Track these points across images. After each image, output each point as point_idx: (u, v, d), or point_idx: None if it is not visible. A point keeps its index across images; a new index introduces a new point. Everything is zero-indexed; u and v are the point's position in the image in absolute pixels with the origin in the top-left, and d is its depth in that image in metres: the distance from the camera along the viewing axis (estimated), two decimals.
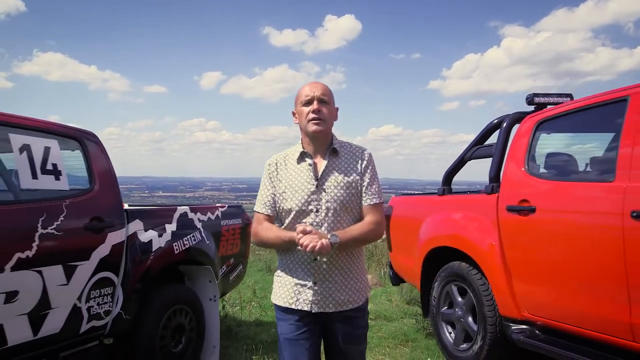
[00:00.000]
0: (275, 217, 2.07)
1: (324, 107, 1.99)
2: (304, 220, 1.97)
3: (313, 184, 1.98)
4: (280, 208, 2.03)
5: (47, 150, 2.83)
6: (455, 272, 3.60)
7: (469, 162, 3.93)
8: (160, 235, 3.38)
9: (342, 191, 1.98)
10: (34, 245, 2.56)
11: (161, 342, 3.34)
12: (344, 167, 2.03)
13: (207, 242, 3.80)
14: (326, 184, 1.99)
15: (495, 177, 3.37)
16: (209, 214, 3.99)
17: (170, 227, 3.51)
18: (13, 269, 2.44)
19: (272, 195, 2.06)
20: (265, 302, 5.58)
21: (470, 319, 3.49)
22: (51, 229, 2.66)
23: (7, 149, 2.68)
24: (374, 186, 2.02)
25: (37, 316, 2.59)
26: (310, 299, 1.97)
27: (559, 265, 2.80)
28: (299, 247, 1.83)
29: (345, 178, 2.00)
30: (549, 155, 3.20)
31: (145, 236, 3.28)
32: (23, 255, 2.50)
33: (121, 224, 3.11)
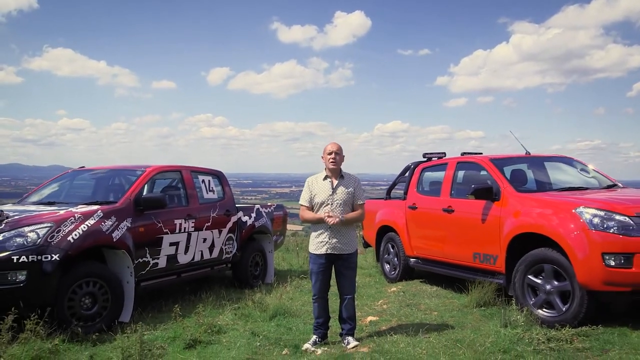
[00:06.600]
0: (311, 207, 4.15)
1: (337, 156, 4.12)
2: (324, 209, 4.05)
3: (330, 191, 4.11)
4: (313, 202, 4.13)
5: (209, 181, 6.67)
6: (390, 238, 7.38)
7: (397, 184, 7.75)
8: (249, 218, 7.20)
9: (344, 195, 4.10)
10: (210, 220, 6.38)
11: (250, 268, 7.16)
12: (346, 184, 4.15)
13: (268, 222, 7.61)
14: (337, 191, 4.11)
15: (405, 192, 7.14)
16: (268, 208, 7.79)
17: (253, 215, 7.32)
18: (205, 229, 6.27)
19: (310, 196, 4.15)
20: (291, 262, 9.40)
21: (395, 259, 7.27)
22: (215, 214, 6.48)
23: (198, 180, 6.51)
24: (360, 194, 4.20)
25: (210, 249, 6.40)
26: (327, 246, 4.07)
27: (425, 231, 6.59)
28: (325, 219, 3.97)
29: (346, 189, 4.12)
30: (426, 183, 6.99)
31: (244, 219, 7.09)
32: (208, 224, 6.32)
33: (235, 213, 6.93)
